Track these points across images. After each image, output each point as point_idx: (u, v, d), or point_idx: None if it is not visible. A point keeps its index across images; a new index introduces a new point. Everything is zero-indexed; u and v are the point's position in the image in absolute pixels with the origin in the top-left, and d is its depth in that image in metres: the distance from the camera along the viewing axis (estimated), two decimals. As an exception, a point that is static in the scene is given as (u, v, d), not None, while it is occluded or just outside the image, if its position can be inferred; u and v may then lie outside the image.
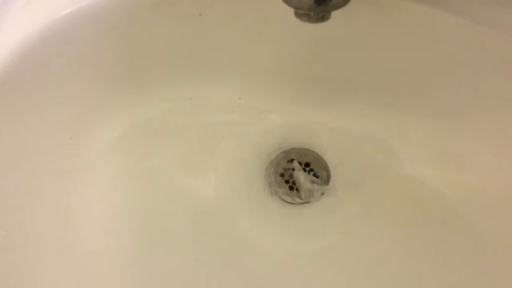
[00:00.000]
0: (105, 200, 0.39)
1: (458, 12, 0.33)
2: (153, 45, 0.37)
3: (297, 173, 0.41)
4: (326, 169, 0.42)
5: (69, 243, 0.36)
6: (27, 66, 0.33)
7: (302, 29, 0.34)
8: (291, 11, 0.29)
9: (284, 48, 0.39)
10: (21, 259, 0.34)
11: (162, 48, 0.38)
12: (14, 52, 0.32)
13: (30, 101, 0.33)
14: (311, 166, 0.42)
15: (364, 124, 0.41)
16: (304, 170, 0.42)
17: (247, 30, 0.38)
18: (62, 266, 0.36)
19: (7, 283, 0.32)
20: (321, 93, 0.41)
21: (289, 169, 0.42)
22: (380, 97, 0.39)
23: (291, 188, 0.42)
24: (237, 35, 0.38)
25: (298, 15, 0.28)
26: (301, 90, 0.42)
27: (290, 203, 0.41)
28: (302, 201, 0.41)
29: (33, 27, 0.32)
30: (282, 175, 0.42)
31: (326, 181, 0.41)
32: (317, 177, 0.41)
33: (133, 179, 0.40)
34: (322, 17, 0.28)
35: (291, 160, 0.42)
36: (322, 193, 0.41)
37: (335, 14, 0.28)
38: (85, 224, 0.37)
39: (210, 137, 0.42)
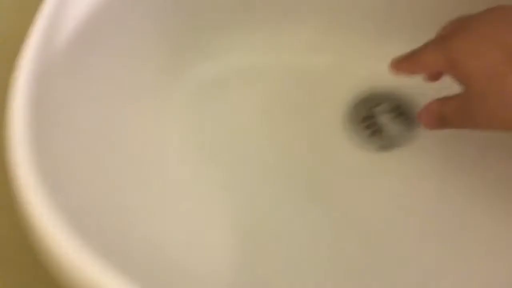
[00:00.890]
0: (189, 144, 0.39)
1: None
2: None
3: (381, 117, 0.40)
4: (414, 114, 0.40)
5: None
6: (112, 13, 0.32)
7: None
8: None
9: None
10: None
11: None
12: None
13: (113, 56, 0.33)
14: (400, 110, 0.41)
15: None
16: (391, 115, 0.40)
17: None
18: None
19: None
20: (410, 30, 0.39)
21: (373, 114, 0.41)
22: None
23: (373, 133, 0.40)
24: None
25: None
26: (390, 28, 0.40)
27: (371, 149, 0.40)
28: (384, 147, 0.40)
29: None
30: (365, 119, 0.41)
31: (413, 127, 0.40)
32: (404, 122, 0.40)
33: (216, 124, 0.40)
34: None
35: (377, 104, 0.41)
36: (406, 140, 0.40)
37: None
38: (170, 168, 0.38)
39: (289, 81, 0.41)
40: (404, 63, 0.33)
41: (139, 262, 0.28)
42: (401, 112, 0.40)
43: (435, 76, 0.35)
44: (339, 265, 0.36)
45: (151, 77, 0.38)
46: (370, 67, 0.41)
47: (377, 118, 0.40)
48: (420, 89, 0.39)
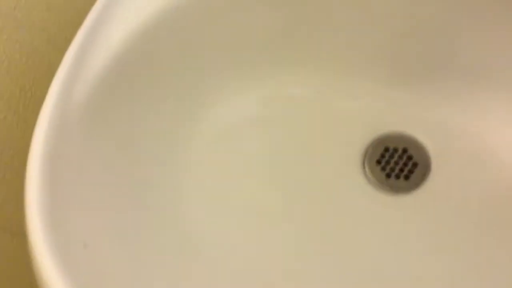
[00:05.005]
0: (203, 193, 0.39)
1: None
2: (252, 31, 0.37)
3: (394, 160, 0.40)
4: (425, 156, 0.40)
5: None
6: (137, 56, 0.33)
7: (411, 6, 0.33)
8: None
9: (384, 27, 0.38)
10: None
11: (260, 34, 0.38)
12: (126, 43, 0.32)
13: (144, 88, 0.34)
14: (409, 153, 0.41)
15: (471, 109, 0.40)
16: (402, 158, 0.41)
17: (345, 10, 0.37)
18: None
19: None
20: (423, 75, 0.40)
21: (386, 157, 0.41)
22: (493, 78, 0.37)
23: (387, 176, 0.40)
24: (334, 16, 0.37)
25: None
26: (400, 72, 0.40)
27: (384, 191, 0.40)
28: (397, 189, 0.40)
29: (144, 17, 0.32)
30: (378, 162, 0.41)
31: (426, 169, 0.40)
32: (416, 165, 0.40)
33: (231, 169, 0.40)
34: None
35: (390, 147, 0.41)
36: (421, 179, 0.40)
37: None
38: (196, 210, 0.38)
39: (302, 126, 0.42)
40: None
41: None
42: (411, 155, 0.41)
43: None
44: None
45: (167, 126, 0.38)
46: (382, 111, 0.41)
47: (390, 161, 0.40)
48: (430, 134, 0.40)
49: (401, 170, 0.40)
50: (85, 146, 0.31)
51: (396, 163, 0.41)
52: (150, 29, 0.33)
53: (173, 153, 0.37)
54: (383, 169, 0.41)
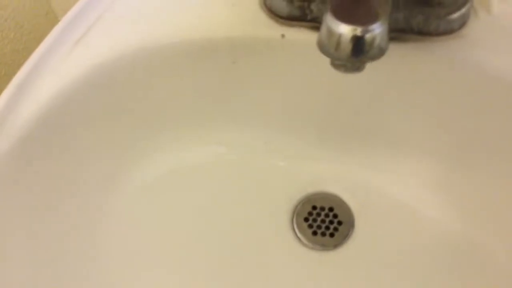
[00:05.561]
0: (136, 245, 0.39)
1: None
2: (187, 91, 0.38)
3: (321, 217, 0.42)
4: (350, 215, 0.42)
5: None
6: (66, 111, 0.34)
7: (334, 78, 0.36)
8: (325, 61, 0.30)
9: (313, 95, 0.40)
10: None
11: (194, 94, 0.39)
12: (56, 97, 0.33)
13: (68, 144, 0.34)
14: (335, 211, 0.43)
15: (391, 172, 0.42)
16: (328, 216, 0.42)
17: (277, 78, 0.39)
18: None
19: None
20: (348, 140, 0.43)
21: (312, 214, 0.42)
22: (408, 145, 0.40)
23: (314, 233, 0.42)
24: (267, 82, 0.40)
25: (334, 65, 0.29)
26: (327, 136, 0.43)
27: (311, 247, 0.41)
28: (324, 246, 0.41)
29: (76, 73, 0.33)
30: (306, 219, 0.42)
31: (350, 227, 0.42)
32: (341, 223, 0.42)
33: (161, 219, 0.41)
34: (358, 68, 0.29)
35: (317, 205, 0.43)
36: (344, 238, 0.41)
37: (369, 64, 0.30)
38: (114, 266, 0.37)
39: (233, 181, 0.43)
40: None
41: None
42: (335, 214, 0.42)
43: None
44: None
45: (93, 179, 0.38)
46: (310, 171, 0.43)
47: (317, 219, 0.42)
48: (353, 193, 0.42)
49: (327, 227, 0.42)
50: (6, 196, 0.31)
51: (323, 221, 0.42)
52: (82, 85, 0.34)
53: (96, 206, 0.37)
54: (311, 226, 0.42)
